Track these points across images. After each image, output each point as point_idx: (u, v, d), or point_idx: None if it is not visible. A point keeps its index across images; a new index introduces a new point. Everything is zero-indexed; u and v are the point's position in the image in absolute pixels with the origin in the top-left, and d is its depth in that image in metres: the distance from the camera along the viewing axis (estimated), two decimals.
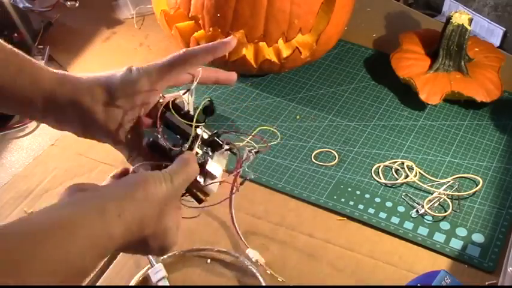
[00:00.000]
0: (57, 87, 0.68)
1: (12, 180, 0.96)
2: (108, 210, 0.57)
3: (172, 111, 0.68)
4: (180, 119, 0.69)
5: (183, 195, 0.67)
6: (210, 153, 0.69)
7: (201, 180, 0.67)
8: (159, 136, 0.68)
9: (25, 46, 1.13)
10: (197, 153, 0.68)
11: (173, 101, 0.69)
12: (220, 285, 0.83)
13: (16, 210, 0.91)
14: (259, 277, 0.83)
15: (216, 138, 0.70)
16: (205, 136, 0.69)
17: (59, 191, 0.93)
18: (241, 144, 0.72)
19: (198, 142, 0.68)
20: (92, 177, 0.97)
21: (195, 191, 0.68)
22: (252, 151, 0.72)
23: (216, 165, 0.69)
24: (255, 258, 0.83)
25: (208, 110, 0.70)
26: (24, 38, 1.15)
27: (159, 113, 0.68)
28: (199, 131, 0.69)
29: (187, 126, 0.68)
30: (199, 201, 0.68)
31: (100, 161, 0.99)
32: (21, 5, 1.27)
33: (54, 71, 0.69)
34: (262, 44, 1.07)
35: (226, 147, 0.70)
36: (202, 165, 0.67)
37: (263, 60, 1.08)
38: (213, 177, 0.68)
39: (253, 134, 0.73)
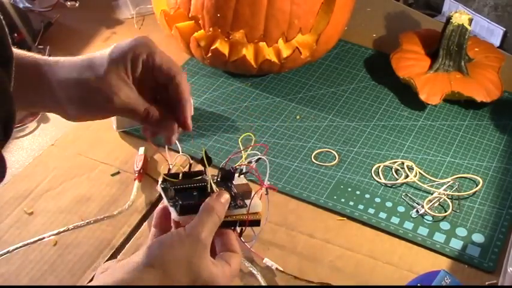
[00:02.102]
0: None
1: (12, 180, 0.96)
2: None
3: (172, 180, 0.70)
4: (182, 180, 0.71)
5: (241, 232, 0.71)
6: (230, 185, 0.72)
7: (241, 210, 0.69)
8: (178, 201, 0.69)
9: (25, 46, 1.13)
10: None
11: (165, 174, 0.71)
12: (220, 285, 0.83)
13: (16, 210, 0.91)
14: (260, 278, 0.83)
15: (223, 171, 0.72)
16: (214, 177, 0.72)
17: (59, 191, 0.94)
18: (243, 158, 0.73)
19: (214, 181, 0.70)
20: (92, 177, 0.97)
21: (246, 220, 0.70)
22: (253, 161, 0.73)
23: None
24: (274, 267, 0.83)
25: (207, 159, 0.71)
26: (24, 38, 1.15)
27: (163, 195, 0.70)
28: (206, 177, 0.71)
29: (197, 179, 0.71)
30: (258, 223, 0.71)
31: (100, 161, 0.99)
32: (21, 5, 1.27)
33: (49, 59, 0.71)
34: (262, 44, 1.07)
35: (237, 173, 0.73)
36: (233, 197, 0.70)
37: (263, 60, 1.08)
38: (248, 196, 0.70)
39: (243, 149, 0.74)
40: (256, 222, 0.71)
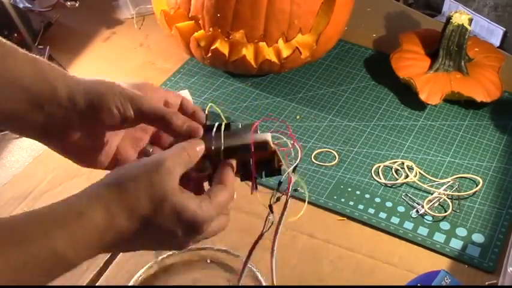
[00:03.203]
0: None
1: (12, 180, 0.96)
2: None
3: None
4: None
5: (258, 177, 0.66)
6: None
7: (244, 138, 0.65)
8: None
9: (25, 46, 1.12)
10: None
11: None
12: (220, 285, 0.83)
13: (16, 210, 0.91)
14: (260, 277, 0.83)
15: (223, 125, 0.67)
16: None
17: (59, 191, 0.94)
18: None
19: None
20: (91, 177, 0.96)
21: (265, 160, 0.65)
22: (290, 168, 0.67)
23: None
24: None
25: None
26: (24, 38, 1.15)
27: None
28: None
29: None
30: (276, 170, 0.66)
31: None
32: (21, 5, 1.27)
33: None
34: (262, 44, 1.07)
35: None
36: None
37: (263, 60, 1.08)
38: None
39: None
40: (273, 169, 0.66)
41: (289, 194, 0.68)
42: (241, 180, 0.67)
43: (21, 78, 0.64)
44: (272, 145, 0.65)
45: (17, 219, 0.56)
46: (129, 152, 0.71)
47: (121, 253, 0.85)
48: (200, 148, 0.64)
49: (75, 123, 0.66)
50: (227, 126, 0.67)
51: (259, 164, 0.66)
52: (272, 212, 0.69)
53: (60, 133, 0.68)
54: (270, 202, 0.68)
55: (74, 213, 0.56)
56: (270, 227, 0.69)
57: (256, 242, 0.72)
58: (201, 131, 0.66)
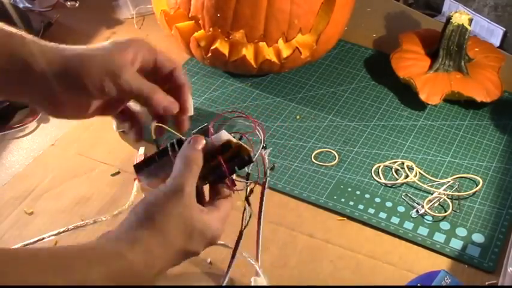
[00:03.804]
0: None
1: (12, 180, 0.96)
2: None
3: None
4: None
5: (231, 175, 0.69)
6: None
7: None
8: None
9: None
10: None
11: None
12: (219, 285, 0.83)
13: (16, 210, 0.91)
14: (261, 273, 0.83)
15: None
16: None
17: (59, 191, 0.94)
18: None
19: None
20: (92, 177, 0.97)
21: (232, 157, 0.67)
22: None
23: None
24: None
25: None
26: None
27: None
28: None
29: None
30: (247, 160, 0.68)
31: (100, 161, 0.99)
32: (21, 5, 1.27)
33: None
34: (262, 44, 1.07)
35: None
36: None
37: (263, 60, 1.08)
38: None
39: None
40: (243, 160, 0.68)
41: (267, 176, 0.72)
42: (214, 183, 0.70)
43: None
44: (234, 140, 0.68)
45: (61, 250, 0.60)
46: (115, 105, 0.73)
47: None
48: (201, 144, 0.67)
49: (57, 94, 0.67)
50: (179, 142, 0.69)
51: (230, 162, 0.68)
52: (249, 205, 0.72)
53: (45, 102, 0.69)
54: (246, 195, 0.71)
55: (113, 253, 0.60)
56: (249, 220, 0.72)
57: (239, 237, 0.74)
58: (177, 107, 0.70)
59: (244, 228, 0.72)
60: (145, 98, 0.68)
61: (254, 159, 0.68)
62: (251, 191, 0.71)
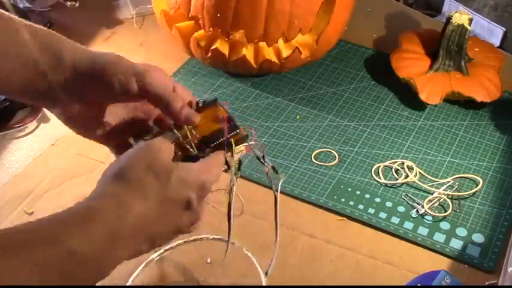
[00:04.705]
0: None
1: (12, 180, 0.96)
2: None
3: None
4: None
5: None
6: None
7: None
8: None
9: None
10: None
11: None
12: (219, 285, 0.83)
13: (16, 210, 0.91)
14: (257, 265, 0.82)
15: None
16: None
17: (59, 191, 0.94)
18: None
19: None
20: (91, 177, 0.97)
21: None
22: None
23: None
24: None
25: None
26: None
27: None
28: None
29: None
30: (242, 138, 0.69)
31: (100, 161, 0.99)
32: (21, 5, 1.27)
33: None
34: (262, 44, 1.07)
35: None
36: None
37: (263, 60, 1.08)
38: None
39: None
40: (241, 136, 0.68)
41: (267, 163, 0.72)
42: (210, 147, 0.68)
43: (26, 50, 0.67)
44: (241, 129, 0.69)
45: (33, 224, 0.56)
46: (127, 130, 0.73)
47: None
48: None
49: (77, 92, 0.68)
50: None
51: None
52: (239, 169, 0.71)
53: (62, 101, 0.70)
54: (229, 164, 0.69)
55: (86, 212, 0.57)
56: (236, 180, 0.71)
57: (229, 213, 0.72)
58: (198, 119, 0.68)
59: (231, 191, 0.70)
60: (166, 103, 0.68)
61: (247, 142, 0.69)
62: (240, 162, 0.70)
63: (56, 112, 0.72)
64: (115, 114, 0.72)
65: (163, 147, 0.62)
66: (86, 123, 0.72)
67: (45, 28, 0.70)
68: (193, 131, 0.68)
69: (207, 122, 0.69)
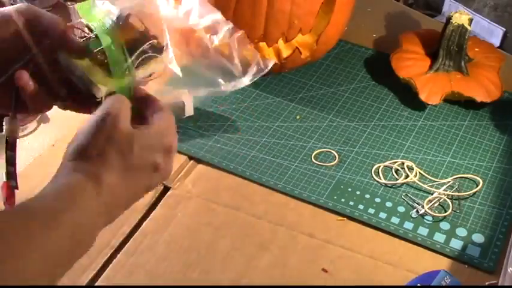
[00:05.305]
0: None
1: None
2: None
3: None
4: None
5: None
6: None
7: None
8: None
9: None
10: None
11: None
12: (224, 285, 0.83)
13: None
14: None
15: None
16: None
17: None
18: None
19: None
20: None
21: None
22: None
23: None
24: None
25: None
26: None
27: None
28: None
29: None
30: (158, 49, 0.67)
31: None
32: None
33: None
34: (262, 44, 1.07)
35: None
36: None
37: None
38: None
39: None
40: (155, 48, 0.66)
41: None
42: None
43: None
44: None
45: (34, 203, 0.57)
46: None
47: (120, 253, 0.85)
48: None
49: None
50: None
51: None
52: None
53: None
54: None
55: (72, 190, 0.58)
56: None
57: None
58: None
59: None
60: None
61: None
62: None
63: None
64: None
65: (121, 114, 0.61)
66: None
67: None
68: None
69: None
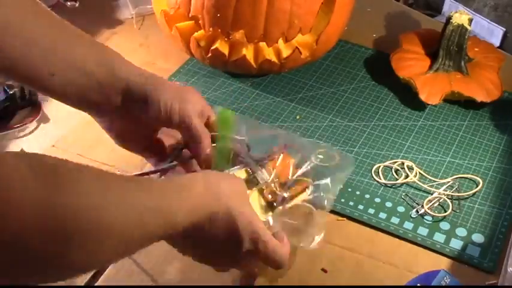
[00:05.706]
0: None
1: None
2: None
3: None
4: None
5: None
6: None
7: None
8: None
9: None
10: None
11: None
12: (220, 285, 0.83)
13: None
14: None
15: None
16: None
17: None
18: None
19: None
20: None
21: None
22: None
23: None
24: None
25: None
26: None
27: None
28: None
29: None
30: None
31: (100, 162, 0.99)
32: None
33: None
34: (262, 44, 1.07)
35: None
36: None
37: (263, 60, 1.08)
38: None
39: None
40: None
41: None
42: None
43: (86, 63, 0.72)
44: None
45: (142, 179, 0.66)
46: (162, 144, 0.80)
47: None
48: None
49: (126, 107, 0.74)
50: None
51: None
52: None
53: (111, 113, 0.75)
54: None
55: (182, 186, 0.63)
56: None
57: None
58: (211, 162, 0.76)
59: None
60: (195, 137, 0.74)
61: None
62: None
63: (100, 120, 0.77)
64: (170, 135, 0.79)
65: (254, 220, 0.67)
66: (125, 135, 0.78)
67: (108, 47, 0.76)
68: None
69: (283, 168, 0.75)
